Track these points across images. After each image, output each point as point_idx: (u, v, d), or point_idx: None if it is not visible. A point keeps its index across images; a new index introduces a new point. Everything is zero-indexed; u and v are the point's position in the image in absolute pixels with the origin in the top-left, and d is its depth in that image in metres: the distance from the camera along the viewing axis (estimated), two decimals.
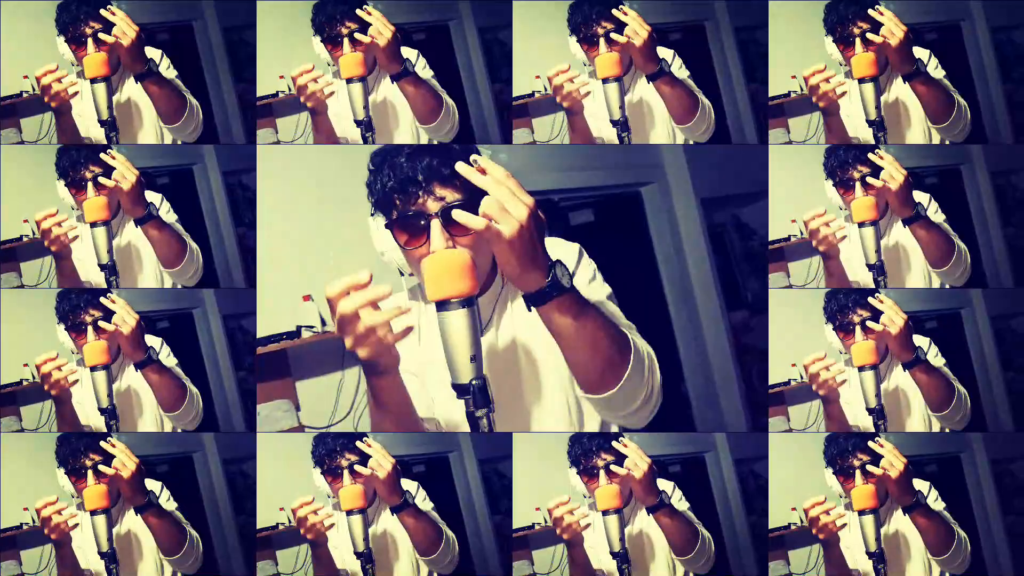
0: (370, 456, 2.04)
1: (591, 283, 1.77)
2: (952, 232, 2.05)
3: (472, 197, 1.61)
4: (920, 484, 2.04)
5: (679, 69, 2.09)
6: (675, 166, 2.46)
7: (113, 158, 2.08)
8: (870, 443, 2.05)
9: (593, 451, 2.05)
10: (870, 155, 2.09)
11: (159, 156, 2.10)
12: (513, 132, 2.09)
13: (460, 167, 1.47)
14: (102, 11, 2.08)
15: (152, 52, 2.06)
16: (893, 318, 2.05)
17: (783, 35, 2.05)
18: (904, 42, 2.04)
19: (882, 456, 2.05)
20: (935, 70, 2.05)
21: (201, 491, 2.07)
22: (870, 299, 2.06)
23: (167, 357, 2.08)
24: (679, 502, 2.05)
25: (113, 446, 2.05)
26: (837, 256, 2.07)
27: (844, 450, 2.05)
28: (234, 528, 2.03)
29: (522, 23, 2.06)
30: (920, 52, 2.06)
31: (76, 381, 2.06)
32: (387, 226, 1.71)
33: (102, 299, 2.07)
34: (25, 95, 2.04)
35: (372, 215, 1.76)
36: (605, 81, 2.13)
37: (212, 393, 2.08)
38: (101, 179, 2.08)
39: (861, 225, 2.11)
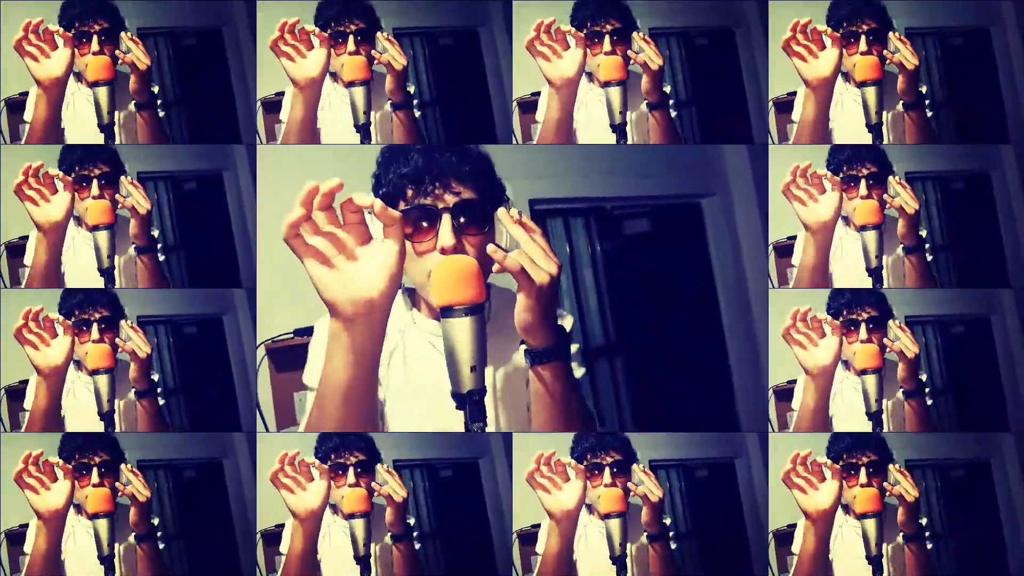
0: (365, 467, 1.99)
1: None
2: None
3: (486, 201, 1.69)
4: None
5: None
6: (739, 177, 2.40)
7: (131, 183, 2.03)
8: (890, 467, 2.00)
9: (602, 447, 2.01)
10: (891, 179, 2.03)
11: (186, 160, 2.06)
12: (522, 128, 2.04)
13: (500, 213, 1.53)
14: (122, 35, 2.01)
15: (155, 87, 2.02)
16: (908, 346, 2.02)
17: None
18: (915, 73, 2.02)
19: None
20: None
21: (230, 499, 2.02)
22: (891, 323, 2.02)
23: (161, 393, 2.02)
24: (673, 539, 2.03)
25: (132, 471, 2.01)
26: (826, 238, 2.02)
27: (849, 448, 2.00)
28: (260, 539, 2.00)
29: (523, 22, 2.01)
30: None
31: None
32: None
33: (123, 323, 2.02)
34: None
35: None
36: (607, 84, 2.07)
37: (237, 397, 2.03)
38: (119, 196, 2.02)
39: (863, 228, 2.05)
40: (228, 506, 2.01)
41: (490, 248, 1.51)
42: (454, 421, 1.48)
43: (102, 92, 2.02)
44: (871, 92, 2.02)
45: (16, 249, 1.99)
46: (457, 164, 1.67)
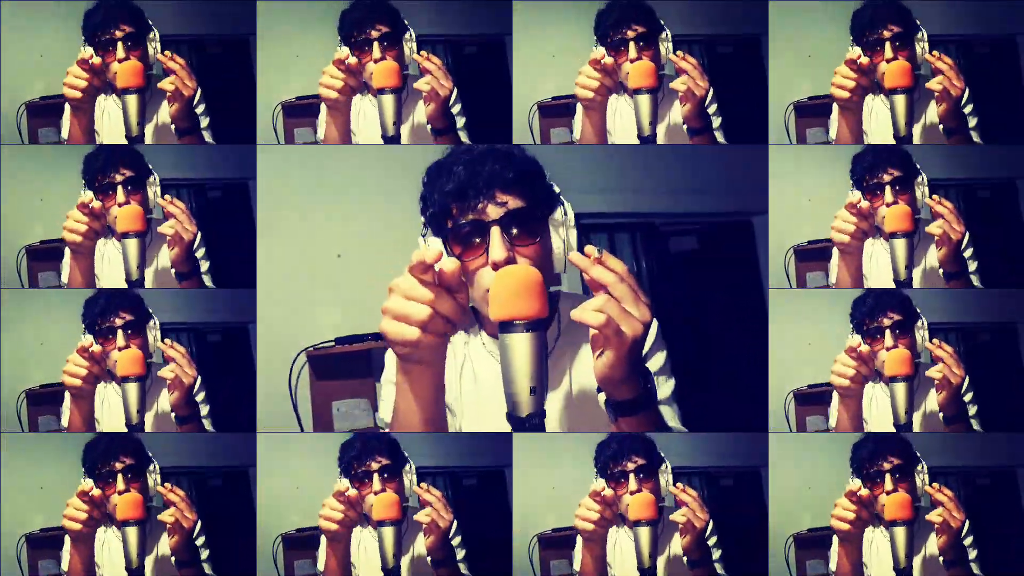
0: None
1: (660, 374, 1.75)
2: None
3: (535, 206, 1.63)
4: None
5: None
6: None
7: (172, 203, 1.98)
8: (929, 488, 1.96)
9: (623, 453, 1.94)
10: (929, 200, 1.98)
11: (211, 166, 2.02)
12: (550, 132, 2.00)
13: (574, 257, 1.43)
14: (160, 56, 1.97)
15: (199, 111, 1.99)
16: (954, 369, 1.96)
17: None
18: (960, 98, 1.98)
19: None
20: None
21: (257, 506, 1.99)
22: (930, 344, 1.97)
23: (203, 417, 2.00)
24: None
25: (172, 491, 1.97)
26: (857, 254, 2.00)
27: (874, 453, 1.96)
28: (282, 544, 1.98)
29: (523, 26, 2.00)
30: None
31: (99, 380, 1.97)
32: (442, 235, 1.64)
33: (161, 344, 1.97)
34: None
35: (423, 235, 1.69)
36: (637, 92, 1.99)
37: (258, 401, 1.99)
38: (168, 210, 1.97)
39: (893, 236, 1.99)
40: (254, 513, 1.98)
41: (574, 313, 1.39)
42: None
43: (131, 100, 1.98)
44: (900, 101, 1.98)
45: (37, 253, 1.97)
46: (501, 172, 1.62)
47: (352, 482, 1.94)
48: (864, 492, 1.96)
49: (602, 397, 1.50)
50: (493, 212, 1.61)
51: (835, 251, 2.00)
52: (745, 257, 2.50)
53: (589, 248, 1.42)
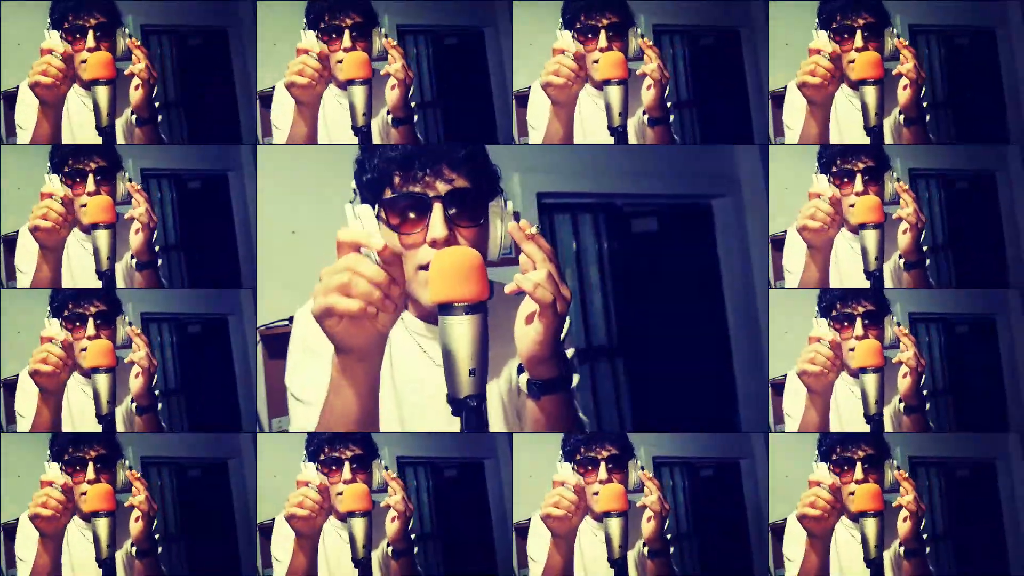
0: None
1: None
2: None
3: (481, 190, 1.59)
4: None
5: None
6: (751, 179, 2.36)
7: (137, 190, 1.95)
8: (895, 473, 1.94)
9: (595, 440, 1.91)
10: (896, 185, 1.96)
11: (191, 159, 1.99)
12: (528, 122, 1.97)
13: (512, 226, 1.42)
14: (126, 40, 1.94)
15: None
16: (911, 358, 1.95)
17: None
18: (919, 86, 1.97)
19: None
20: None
21: (233, 500, 1.96)
22: (896, 329, 1.95)
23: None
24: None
25: (138, 479, 1.94)
26: (825, 250, 1.98)
27: (843, 440, 1.94)
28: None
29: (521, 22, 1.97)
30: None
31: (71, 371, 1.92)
32: (377, 204, 1.58)
33: (127, 329, 1.94)
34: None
35: (351, 201, 1.63)
36: (607, 83, 1.95)
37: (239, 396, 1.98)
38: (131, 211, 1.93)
39: (863, 227, 1.95)
40: (231, 506, 1.96)
41: (518, 278, 1.38)
42: (443, 427, 1.44)
43: (101, 92, 1.94)
44: (870, 92, 1.95)
45: (11, 244, 1.95)
46: (451, 149, 1.59)
47: (319, 468, 1.90)
48: (831, 481, 1.94)
49: (523, 378, 1.48)
50: (439, 187, 1.57)
51: (803, 247, 1.98)
52: (703, 238, 2.53)
53: (524, 222, 1.42)
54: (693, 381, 2.24)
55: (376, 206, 1.59)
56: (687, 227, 2.62)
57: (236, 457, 1.96)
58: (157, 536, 1.96)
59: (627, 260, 2.56)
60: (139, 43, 1.96)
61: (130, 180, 1.96)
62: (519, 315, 1.44)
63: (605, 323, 2.53)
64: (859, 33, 1.95)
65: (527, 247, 1.41)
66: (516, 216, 1.46)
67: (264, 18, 1.98)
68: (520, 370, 1.48)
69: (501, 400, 1.71)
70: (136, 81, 1.96)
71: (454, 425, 1.37)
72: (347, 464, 1.90)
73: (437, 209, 1.55)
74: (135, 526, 1.95)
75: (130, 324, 1.96)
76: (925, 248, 1.98)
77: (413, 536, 1.95)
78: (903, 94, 1.98)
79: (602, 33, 1.95)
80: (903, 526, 1.95)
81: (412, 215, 1.56)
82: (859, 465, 1.93)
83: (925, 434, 1.97)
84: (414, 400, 1.68)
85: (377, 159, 1.61)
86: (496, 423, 1.70)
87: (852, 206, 1.96)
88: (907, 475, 1.95)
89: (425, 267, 1.49)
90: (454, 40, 2.00)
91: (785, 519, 1.95)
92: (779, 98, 1.98)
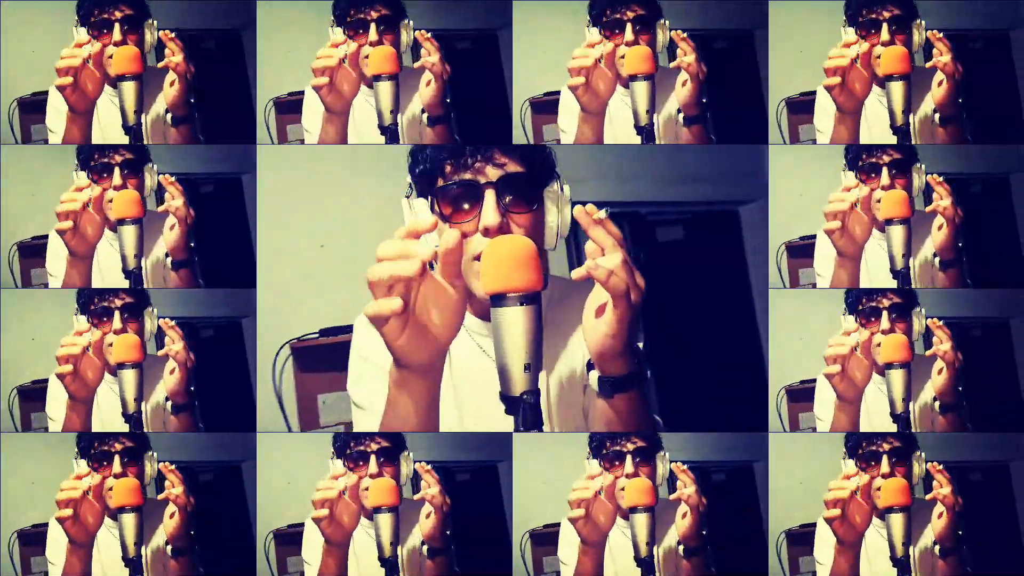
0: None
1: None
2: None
3: (535, 174, 1.55)
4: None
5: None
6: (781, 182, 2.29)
7: (171, 183, 1.91)
8: (929, 466, 1.88)
9: (620, 435, 1.84)
10: (929, 178, 1.91)
11: (205, 162, 1.95)
12: (543, 128, 1.93)
13: (578, 211, 1.34)
14: (160, 33, 1.90)
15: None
16: (949, 352, 1.90)
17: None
18: (955, 82, 1.93)
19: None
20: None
21: (247, 502, 1.92)
22: (929, 322, 1.90)
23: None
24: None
25: (174, 473, 1.89)
26: (856, 259, 1.94)
27: (871, 432, 1.89)
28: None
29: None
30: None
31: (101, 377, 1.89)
32: (430, 194, 1.54)
33: (161, 323, 1.90)
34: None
35: (407, 196, 1.59)
36: (633, 79, 1.89)
37: (257, 402, 1.94)
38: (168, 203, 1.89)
39: (889, 223, 1.89)
40: (247, 510, 1.92)
41: (589, 265, 1.30)
42: (502, 427, 1.39)
43: (128, 88, 1.90)
44: (897, 88, 1.90)
45: (28, 249, 1.94)
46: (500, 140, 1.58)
47: (346, 463, 1.86)
48: (860, 477, 1.90)
49: (594, 376, 1.43)
50: (491, 173, 1.52)
51: (832, 251, 1.95)
52: (732, 247, 2.48)
53: (591, 207, 1.35)
54: (724, 390, 2.22)
55: (429, 197, 1.56)
56: (714, 234, 2.58)
57: (250, 460, 1.92)
58: (192, 533, 1.93)
59: (654, 269, 2.54)
60: (172, 34, 1.93)
61: (161, 174, 1.93)
62: (588, 307, 1.39)
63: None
64: (885, 26, 1.92)
65: (595, 233, 1.34)
66: (574, 204, 1.41)
67: (276, 22, 1.97)
68: (590, 366, 1.43)
69: (547, 399, 1.66)
70: (171, 76, 1.93)
71: (509, 424, 1.33)
72: (373, 457, 1.84)
73: (489, 195, 1.50)
74: (170, 522, 1.92)
75: (161, 317, 1.93)
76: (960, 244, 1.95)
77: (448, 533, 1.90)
78: (938, 90, 1.95)
79: (628, 27, 1.90)
80: (938, 523, 1.91)
81: (465, 205, 1.52)
82: (885, 458, 1.89)
83: (941, 436, 1.93)
84: (475, 400, 1.64)
85: (430, 149, 1.58)
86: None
87: (879, 201, 1.92)
88: (940, 467, 1.91)
89: (479, 257, 1.42)
90: (467, 44, 1.96)
91: (803, 525, 1.93)
92: (795, 104, 1.96)
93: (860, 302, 1.92)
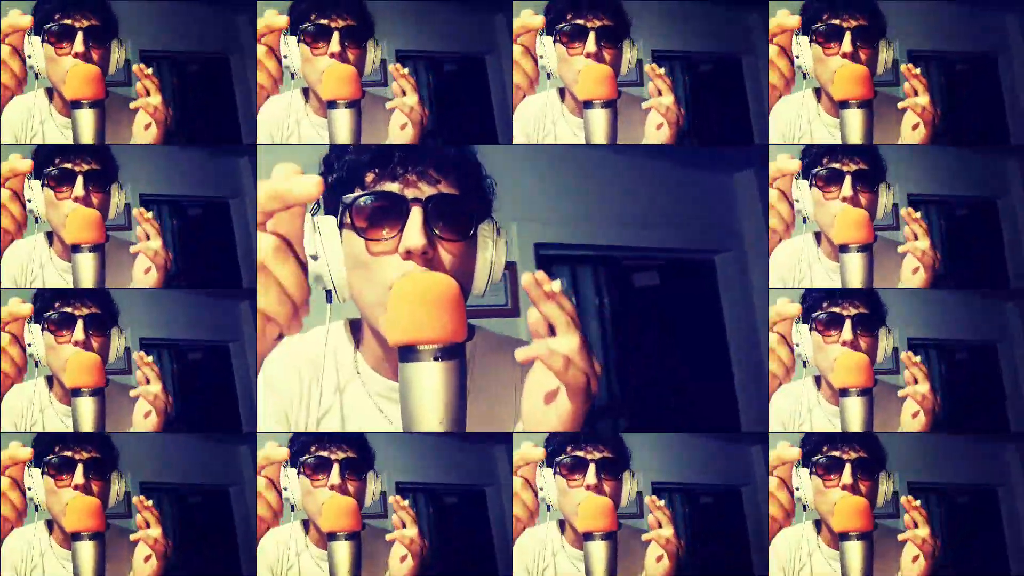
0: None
1: None
2: None
3: (470, 200, 1.35)
4: None
5: None
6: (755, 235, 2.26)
7: (148, 221, 1.64)
8: (904, 500, 1.68)
9: (585, 440, 1.65)
10: (904, 212, 1.71)
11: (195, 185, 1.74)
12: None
13: (527, 279, 1.16)
14: (136, 68, 1.66)
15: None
16: (922, 384, 1.69)
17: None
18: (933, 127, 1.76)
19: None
20: None
21: (236, 526, 1.75)
22: (904, 355, 1.71)
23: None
24: None
25: (150, 510, 1.65)
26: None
27: (830, 439, 1.67)
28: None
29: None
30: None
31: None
32: (341, 205, 1.31)
33: (136, 355, 1.65)
34: None
35: (312, 212, 1.34)
36: (588, 105, 1.64)
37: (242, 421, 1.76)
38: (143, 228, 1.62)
39: (844, 249, 1.66)
40: (235, 533, 1.77)
41: (546, 307, 1.13)
42: None
43: (84, 117, 1.62)
44: (854, 117, 1.68)
45: None
46: (439, 150, 1.42)
47: (303, 471, 1.64)
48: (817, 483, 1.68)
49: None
50: (422, 188, 1.32)
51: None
52: (706, 294, 2.47)
53: (542, 275, 1.17)
54: (700, 440, 2.22)
55: (340, 210, 1.33)
56: (689, 282, 2.55)
57: (238, 484, 1.76)
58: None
59: (628, 315, 2.52)
60: (149, 71, 1.68)
61: (133, 205, 1.68)
62: (531, 389, 1.23)
63: (607, 381, 2.47)
64: (848, 35, 1.70)
65: (547, 308, 1.17)
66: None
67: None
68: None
69: None
70: (145, 119, 1.70)
71: None
72: (336, 467, 1.62)
73: (416, 213, 1.29)
74: (144, 567, 1.68)
75: (131, 349, 1.69)
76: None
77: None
78: (913, 134, 1.78)
79: (591, 36, 1.66)
80: (912, 567, 1.72)
81: (384, 222, 1.31)
82: (848, 467, 1.67)
83: (926, 457, 1.79)
84: None
85: (348, 156, 1.38)
86: None
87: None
88: (917, 503, 1.71)
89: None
90: (453, 67, 1.77)
91: None
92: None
93: (820, 307, 1.72)
